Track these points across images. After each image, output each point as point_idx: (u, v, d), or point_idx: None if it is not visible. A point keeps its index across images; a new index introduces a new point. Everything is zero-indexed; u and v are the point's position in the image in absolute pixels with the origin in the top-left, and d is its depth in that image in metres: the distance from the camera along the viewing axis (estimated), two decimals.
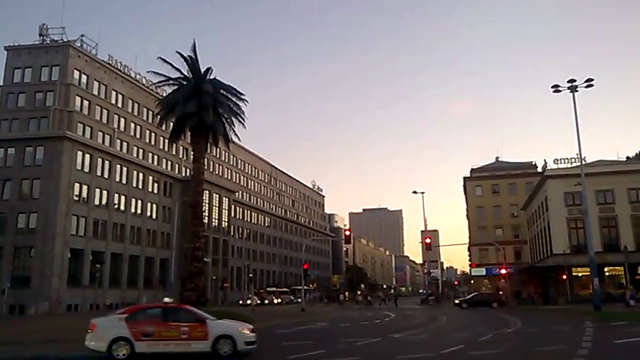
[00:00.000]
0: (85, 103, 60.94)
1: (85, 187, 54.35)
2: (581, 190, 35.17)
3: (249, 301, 56.31)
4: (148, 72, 33.14)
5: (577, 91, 33.10)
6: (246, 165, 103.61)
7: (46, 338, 20.39)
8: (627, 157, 62.69)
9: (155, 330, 14.16)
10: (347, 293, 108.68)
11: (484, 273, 78.87)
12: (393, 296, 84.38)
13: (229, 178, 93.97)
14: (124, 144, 66.38)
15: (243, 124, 32.13)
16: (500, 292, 63.46)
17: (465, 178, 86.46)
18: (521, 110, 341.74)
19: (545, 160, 65.62)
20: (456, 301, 50.03)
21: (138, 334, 13.92)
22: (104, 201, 57.24)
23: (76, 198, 53.22)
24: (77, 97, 59.77)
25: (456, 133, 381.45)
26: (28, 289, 47.32)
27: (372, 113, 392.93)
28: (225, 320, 15.36)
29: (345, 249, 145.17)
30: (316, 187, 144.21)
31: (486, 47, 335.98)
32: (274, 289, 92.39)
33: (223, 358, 14.06)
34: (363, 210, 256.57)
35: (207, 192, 69.40)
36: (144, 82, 69.51)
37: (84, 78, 61.43)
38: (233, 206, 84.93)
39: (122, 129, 66.64)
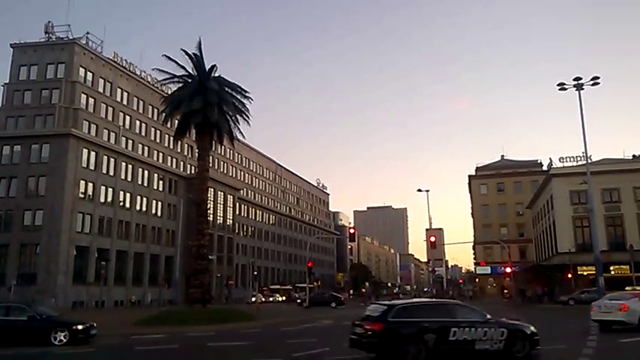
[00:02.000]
0: (91, 100, 61.22)
1: (90, 185, 54.64)
2: (587, 188, 34.96)
3: (253, 299, 56.42)
4: (153, 69, 33.40)
5: (583, 89, 32.80)
6: (251, 163, 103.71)
7: None
8: (633, 156, 62.20)
9: None
10: (351, 291, 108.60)
11: (489, 271, 78.73)
12: (374, 295, 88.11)
13: (234, 175, 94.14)
14: (129, 141, 66.62)
15: (248, 122, 32.29)
16: (505, 291, 63.24)
17: (470, 176, 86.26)
18: (527, 109, 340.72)
19: (550, 159, 65.44)
20: (298, 300, 51.51)
21: None
22: (109, 198, 57.49)
23: (82, 195, 53.49)
24: (82, 95, 60.04)
25: (461, 132, 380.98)
26: (34, 286, 47.62)
27: (376, 111, 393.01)
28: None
29: (349, 247, 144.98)
30: (321, 185, 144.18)
31: (492, 45, 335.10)
32: (278, 286, 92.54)
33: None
34: (368, 208, 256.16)
35: (212, 189, 69.55)
36: (149, 79, 69.72)
37: (89, 75, 61.67)
38: (238, 204, 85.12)
39: (127, 126, 66.87)
